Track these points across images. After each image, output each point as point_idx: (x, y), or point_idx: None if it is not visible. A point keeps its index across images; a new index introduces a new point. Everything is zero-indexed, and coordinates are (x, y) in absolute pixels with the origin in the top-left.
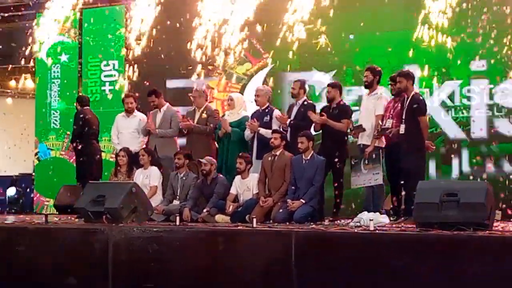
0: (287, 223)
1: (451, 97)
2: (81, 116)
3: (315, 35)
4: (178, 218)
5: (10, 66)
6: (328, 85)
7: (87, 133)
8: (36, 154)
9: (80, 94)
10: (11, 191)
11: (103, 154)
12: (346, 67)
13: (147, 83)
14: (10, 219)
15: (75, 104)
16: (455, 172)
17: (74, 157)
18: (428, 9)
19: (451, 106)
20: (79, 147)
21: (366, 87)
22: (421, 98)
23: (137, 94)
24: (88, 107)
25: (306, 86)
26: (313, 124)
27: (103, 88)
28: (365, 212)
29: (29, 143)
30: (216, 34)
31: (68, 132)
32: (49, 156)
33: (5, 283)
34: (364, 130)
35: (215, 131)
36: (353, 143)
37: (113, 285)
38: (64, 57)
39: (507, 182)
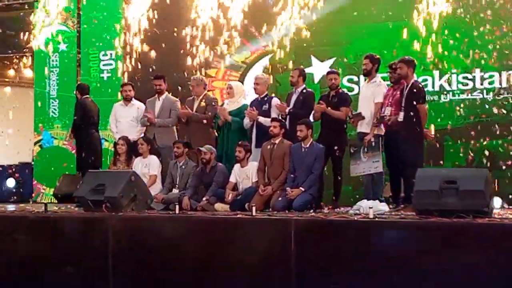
0: (287, 211)
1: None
2: (81, 105)
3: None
4: (177, 206)
5: (9, 54)
6: (332, 72)
7: (87, 122)
8: (39, 141)
9: (80, 82)
10: (11, 183)
11: (106, 143)
12: (339, 58)
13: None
14: (10, 208)
15: (75, 93)
16: None
17: (74, 146)
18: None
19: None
20: (80, 136)
21: (365, 75)
22: (420, 85)
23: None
24: (88, 96)
25: (305, 74)
26: (312, 112)
27: (102, 75)
28: (365, 200)
29: (28, 132)
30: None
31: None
32: (52, 145)
33: (5, 272)
34: (363, 118)
35: (214, 119)
36: (352, 132)
37: (113, 273)
38: (62, 46)
39: None
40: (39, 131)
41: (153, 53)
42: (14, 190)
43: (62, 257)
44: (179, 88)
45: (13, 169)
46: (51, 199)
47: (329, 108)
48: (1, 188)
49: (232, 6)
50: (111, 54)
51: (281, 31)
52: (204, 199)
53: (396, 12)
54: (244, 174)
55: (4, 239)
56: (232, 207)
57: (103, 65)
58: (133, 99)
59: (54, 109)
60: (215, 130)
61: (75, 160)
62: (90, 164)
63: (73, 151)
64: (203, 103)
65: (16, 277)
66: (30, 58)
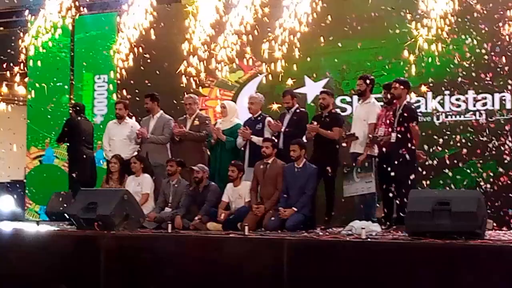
0: (279, 231)
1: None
2: (70, 120)
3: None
4: (170, 225)
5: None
6: (323, 92)
7: (78, 141)
8: (40, 156)
9: (75, 102)
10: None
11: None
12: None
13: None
14: (2, 226)
15: (69, 111)
16: None
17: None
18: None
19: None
20: (72, 154)
21: (359, 95)
22: (412, 106)
23: (127, 101)
24: (83, 115)
25: (295, 95)
26: (306, 133)
27: (95, 96)
28: (357, 221)
29: (20, 150)
30: (208, 41)
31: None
32: (51, 163)
33: None
34: (356, 138)
35: (207, 138)
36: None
37: None
38: (56, 64)
39: None
40: (43, 145)
41: (146, 73)
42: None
43: (54, 275)
44: (173, 107)
45: (7, 186)
46: (34, 215)
47: (321, 128)
48: None
49: (227, 26)
50: (104, 78)
51: (275, 51)
52: (196, 218)
53: (392, 33)
54: (237, 194)
55: None
56: (225, 226)
57: (98, 86)
58: (127, 118)
59: (47, 126)
60: (207, 149)
61: (68, 178)
62: (81, 183)
63: (64, 168)
64: (196, 122)
65: None
66: (23, 75)
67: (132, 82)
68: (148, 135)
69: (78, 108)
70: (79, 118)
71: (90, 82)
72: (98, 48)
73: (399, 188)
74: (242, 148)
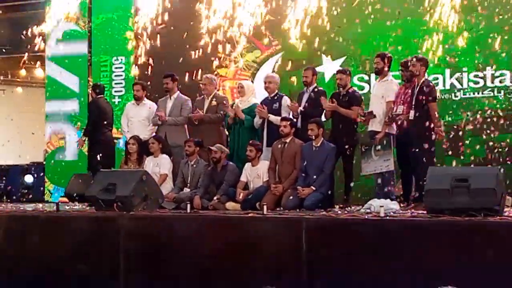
0: (298, 210)
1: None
2: (96, 104)
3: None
4: (189, 205)
5: (20, 54)
6: (339, 71)
7: (102, 122)
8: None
9: (95, 82)
10: (29, 179)
11: (122, 143)
12: (353, 55)
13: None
14: (22, 207)
15: (89, 92)
16: None
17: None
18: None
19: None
20: (93, 136)
21: (376, 73)
22: (431, 84)
23: (148, 83)
24: (102, 96)
25: (316, 73)
26: (324, 111)
27: (113, 76)
28: (376, 199)
29: (39, 133)
30: (226, 21)
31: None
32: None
33: (17, 271)
34: (374, 116)
35: (224, 118)
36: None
37: (124, 272)
38: (74, 46)
39: None
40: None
41: (164, 53)
42: (29, 188)
43: (74, 256)
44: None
45: (26, 168)
46: (47, 193)
47: (340, 107)
48: (16, 187)
49: (245, 8)
50: (121, 59)
51: (291, 31)
52: (215, 198)
53: (409, 10)
54: (255, 173)
55: (17, 239)
56: (243, 206)
57: (115, 67)
58: (145, 98)
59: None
60: (225, 129)
61: (87, 159)
62: (102, 164)
63: (84, 150)
64: (214, 102)
65: (29, 276)
66: (41, 58)
67: (149, 63)
68: (166, 118)
69: (98, 90)
70: (98, 98)
71: (108, 63)
72: (115, 30)
73: (418, 166)
74: (260, 128)
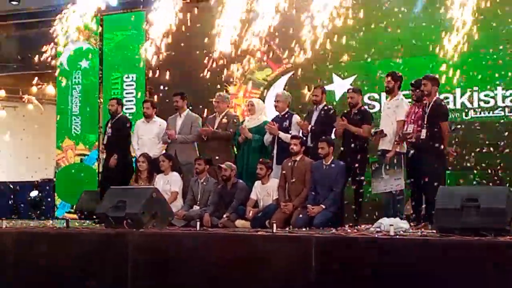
0: (307, 229)
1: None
2: (127, 121)
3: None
4: (198, 223)
5: (31, 71)
6: (351, 90)
7: (126, 139)
8: (83, 155)
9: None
10: (34, 193)
11: None
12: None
13: (166, 88)
14: (32, 224)
15: (116, 107)
16: None
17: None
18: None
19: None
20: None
21: (387, 92)
22: (443, 103)
23: (155, 99)
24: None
25: (326, 92)
26: (334, 130)
27: (124, 94)
28: (385, 218)
29: (50, 149)
30: (237, 40)
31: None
32: (92, 165)
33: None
34: (385, 135)
35: (234, 137)
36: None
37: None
38: (85, 63)
39: None
40: (90, 146)
41: (174, 71)
42: (35, 203)
43: (84, 272)
44: (200, 106)
45: (36, 184)
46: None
47: (350, 125)
48: (24, 205)
49: (257, 25)
50: (132, 77)
51: (302, 50)
52: (225, 216)
53: (420, 30)
54: (265, 191)
55: (26, 255)
56: (253, 224)
57: (126, 85)
58: (155, 116)
59: (76, 125)
60: (234, 147)
61: (100, 175)
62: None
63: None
64: (224, 120)
65: None
66: (52, 75)
67: (159, 81)
68: (176, 136)
69: (122, 104)
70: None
71: (119, 81)
72: (126, 48)
73: (428, 185)
74: (270, 145)
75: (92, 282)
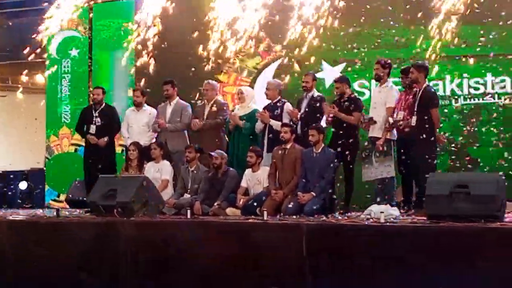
0: (298, 216)
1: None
2: (114, 109)
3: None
4: (189, 211)
5: (21, 60)
6: (335, 81)
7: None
8: (79, 145)
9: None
10: (23, 185)
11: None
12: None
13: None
14: (22, 213)
15: (102, 96)
16: None
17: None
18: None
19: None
20: (108, 142)
21: (377, 80)
22: (433, 90)
23: (148, 90)
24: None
25: (316, 79)
26: (324, 117)
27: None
28: (376, 205)
29: (38, 138)
30: (227, 28)
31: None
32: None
33: (17, 278)
34: (375, 122)
35: (225, 124)
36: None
37: (124, 278)
38: (74, 52)
39: None
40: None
41: (164, 59)
42: (25, 195)
43: (74, 262)
44: (190, 94)
45: (25, 173)
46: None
47: (340, 112)
48: (14, 194)
49: (247, 14)
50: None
51: (293, 37)
52: (215, 204)
53: (409, 16)
54: (256, 179)
55: (17, 245)
56: (244, 211)
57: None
58: (145, 104)
59: (66, 114)
60: (225, 135)
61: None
62: (102, 171)
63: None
64: (214, 108)
65: (30, 284)
66: (41, 64)
67: (149, 70)
68: (167, 125)
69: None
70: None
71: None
72: (116, 36)
73: (419, 172)
74: (261, 133)
75: (83, 274)
